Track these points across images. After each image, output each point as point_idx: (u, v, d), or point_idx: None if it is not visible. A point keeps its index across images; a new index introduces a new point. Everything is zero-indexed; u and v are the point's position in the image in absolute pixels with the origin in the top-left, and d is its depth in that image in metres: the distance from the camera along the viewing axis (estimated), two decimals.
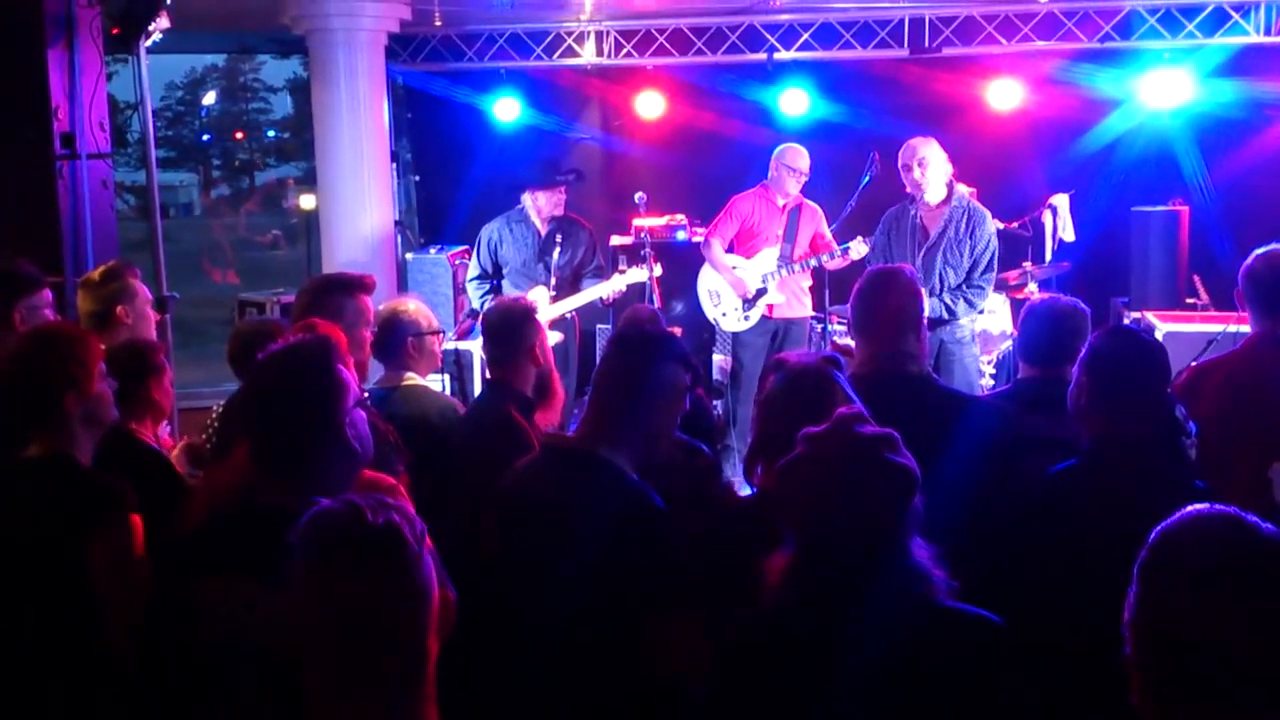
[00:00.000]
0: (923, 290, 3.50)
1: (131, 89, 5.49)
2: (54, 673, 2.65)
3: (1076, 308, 3.64)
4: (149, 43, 5.31)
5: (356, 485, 2.60)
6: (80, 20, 5.18)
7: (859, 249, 6.47)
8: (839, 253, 6.66)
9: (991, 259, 5.88)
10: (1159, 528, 1.63)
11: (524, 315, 3.75)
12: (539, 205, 6.64)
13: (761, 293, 6.83)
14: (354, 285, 3.69)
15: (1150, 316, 6.97)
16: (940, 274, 5.83)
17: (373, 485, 2.77)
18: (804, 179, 6.78)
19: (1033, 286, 7.35)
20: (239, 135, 35.00)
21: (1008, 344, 7.26)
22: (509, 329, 3.71)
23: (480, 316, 6.87)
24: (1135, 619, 1.60)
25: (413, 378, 3.88)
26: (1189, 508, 1.65)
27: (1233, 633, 1.52)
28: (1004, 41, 7.78)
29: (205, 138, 35.28)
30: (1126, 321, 7.28)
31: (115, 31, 5.26)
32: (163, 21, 5.23)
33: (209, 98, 34.41)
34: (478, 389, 6.82)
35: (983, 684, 1.97)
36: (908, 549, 2.01)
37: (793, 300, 6.91)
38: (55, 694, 2.65)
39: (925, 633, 1.97)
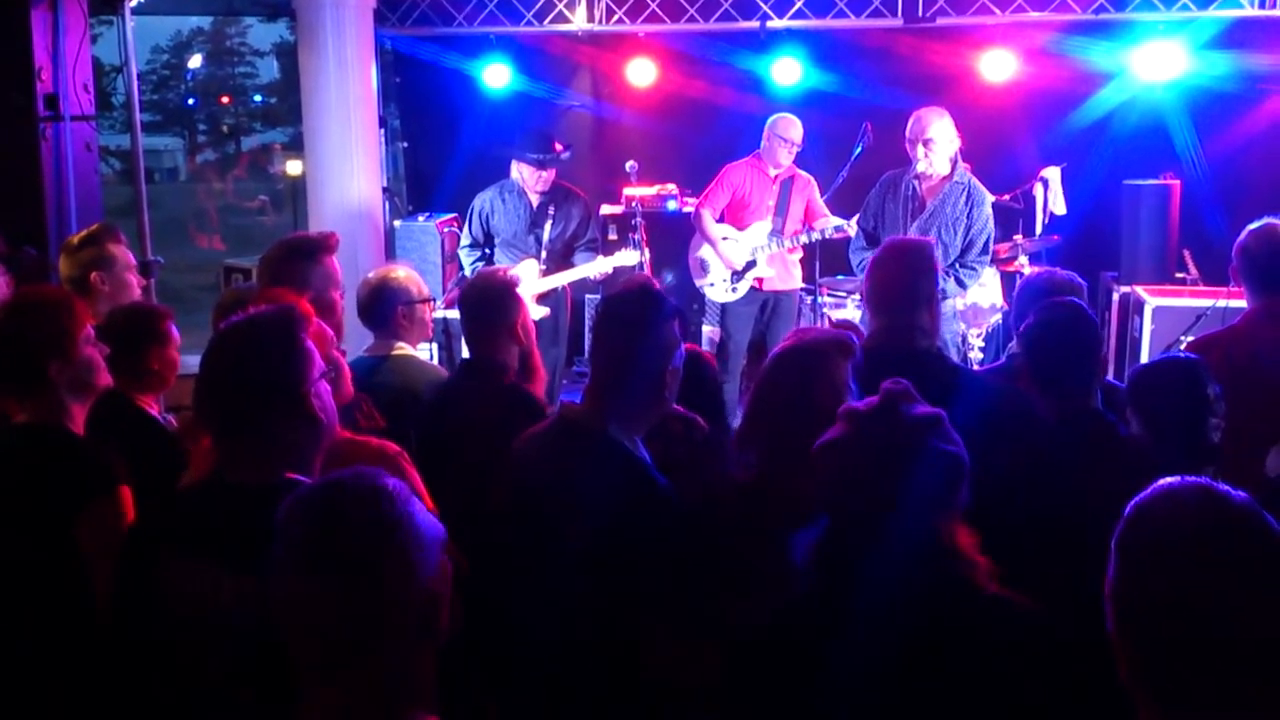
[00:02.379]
0: (940, 264, 3.47)
1: (116, 51, 5.42)
2: (43, 644, 2.63)
3: (1073, 282, 3.63)
4: (134, 3, 5.24)
5: (361, 456, 2.57)
6: None
7: (854, 228, 6.43)
8: (831, 228, 6.62)
9: (987, 241, 5.82)
10: (1133, 501, 1.63)
11: (504, 290, 3.64)
12: (525, 176, 6.57)
13: (751, 265, 6.80)
14: (316, 248, 3.56)
15: (1140, 290, 6.97)
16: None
17: (378, 454, 2.74)
18: (796, 149, 6.74)
19: (1023, 259, 7.34)
20: (225, 100, 34.70)
21: (997, 317, 7.25)
22: (489, 305, 3.60)
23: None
24: (1114, 593, 1.60)
25: (403, 347, 3.84)
26: (1161, 481, 1.64)
27: (1210, 602, 1.52)
28: (998, 12, 7.72)
29: (191, 102, 34.96)
30: (1115, 295, 7.29)
31: None
32: None
33: (194, 61, 34.07)
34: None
35: (1024, 675, 1.91)
36: (948, 533, 1.95)
37: (783, 273, 6.89)
38: (45, 664, 2.63)
39: (966, 620, 1.93)
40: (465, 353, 6.86)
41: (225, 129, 34.93)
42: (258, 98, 34.44)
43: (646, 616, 2.43)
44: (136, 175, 5.69)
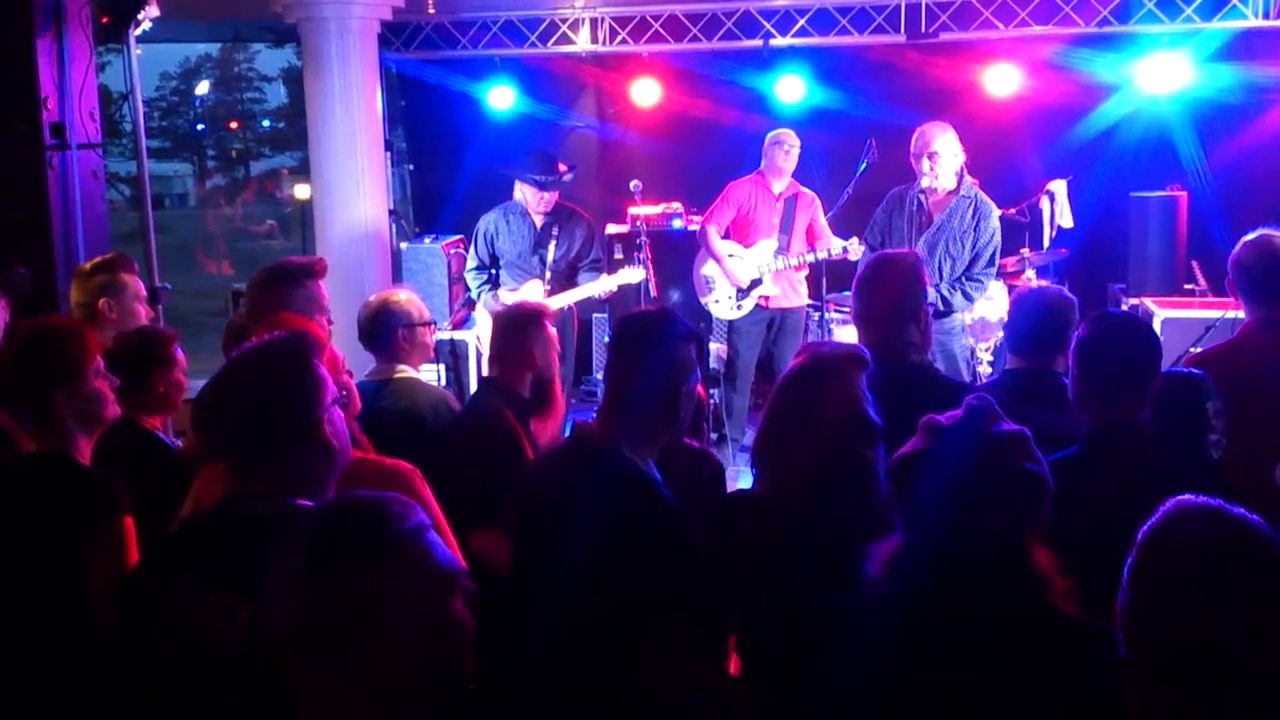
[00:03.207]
0: (927, 278, 3.45)
1: (124, 79, 5.44)
2: (47, 669, 2.62)
3: (1062, 296, 3.60)
4: (139, 31, 5.26)
5: (375, 475, 2.56)
6: (69, 9, 5.13)
7: (857, 249, 6.43)
8: (837, 250, 6.62)
9: (994, 254, 5.82)
10: (1145, 527, 1.60)
11: (528, 320, 3.73)
12: (528, 198, 6.58)
13: (756, 283, 6.80)
14: (300, 272, 3.58)
15: (1148, 303, 6.94)
16: (939, 264, 5.78)
17: (391, 474, 2.75)
18: (793, 150, 6.74)
19: (1030, 273, 7.32)
20: (234, 125, 34.88)
21: (1000, 333, 7.24)
22: (511, 331, 3.71)
23: (478, 309, 6.85)
24: (1127, 621, 1.58)
25: (405, 370, 3.84)
26: (1170, 502, 1.62)
27: (1224, 627, 1.50)
28: (1001, 26, 7.73)
29: (200, 128, 35.15)
30: (1124, 307, 7.26)
31: (105, 20, 5.21)
32: (152, 9, 5.19)
33: (203, 87, 34.27)
34: (473, 379, 6.78)
35: (1094, 702, 1.85)
36: (1030, 555, 1.92)
37: (788, 291, 6.89)
38: (49, 689, 2.62)
39: (1042, 642, 1.89)
40: (474, 373, 6.92)
41: (234, 154, 35.11)
42: (266, 123, 34.60)
43: (653, 633, 2.42)
44: (144, 201, 5.70)
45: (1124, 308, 7.29)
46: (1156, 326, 6.65)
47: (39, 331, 2.92)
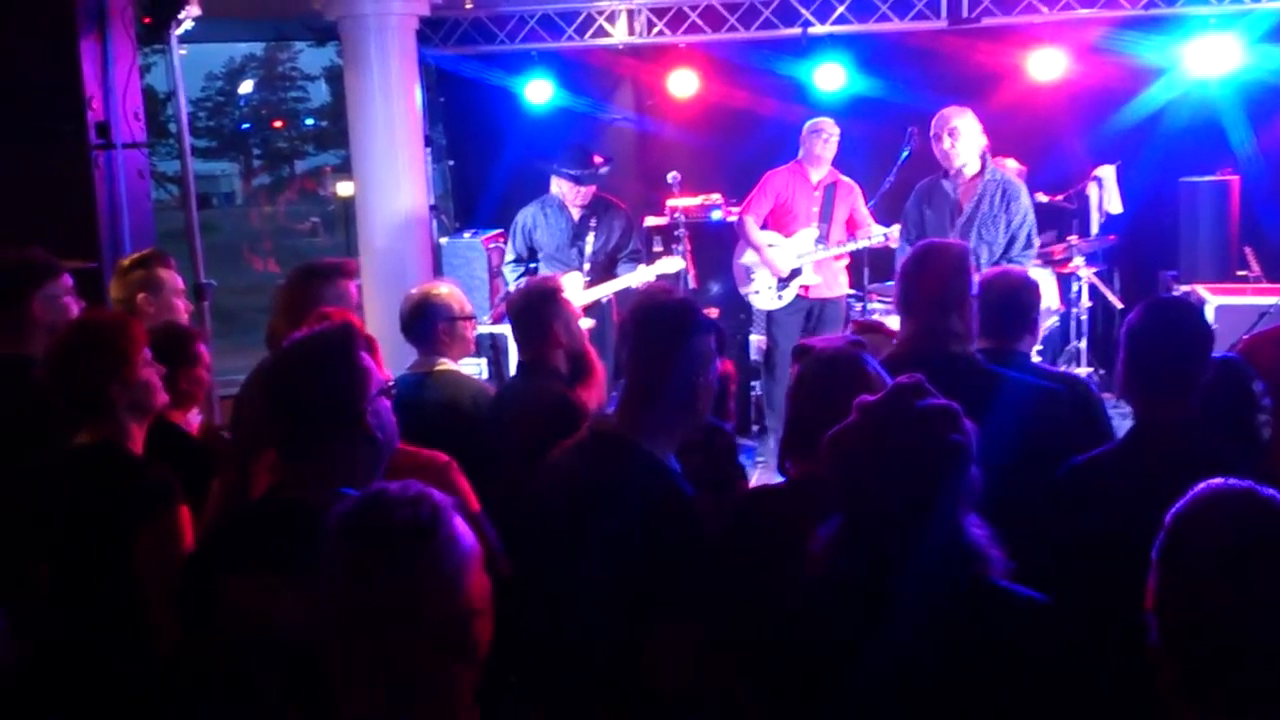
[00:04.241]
0: (973, 266, 3.41)
1: (168, 79, 5.51)
2: (102, 659, 2.67)
3: (1027, 278, 3.69)
4: (180, 31, 5.32)
5: (412, 466, 2.58)
6: (112, 10, 5.20)
7: (897, 237, 6.38)
8: (877, 237, 6.57)
9: (1030, 234, 5.74)
10: (1173, 510, 1.58)
11: (543, 296, 3.76)
12: (564, 191, 6.60)
13: (796, 273, 6.76)
14: (332, 271, 3.66)
15: (1200, 289, 6.82)
16: (975, 251, 5.70)
17: (426, 464, 2.80)
18: (831, 138, 6.69)
19: (1079, 260, 7.22)
20: (278, 124, 35.24)
21: (1054, 320, 7.14)
22: (528, 312, 3.75)
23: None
24: (1158, 605, 1.55)
25: (445, 363, 3.85)
26: (1201, 485, 1.60)
27: (1253, 609, 1.47)
28: (1045, 10, 7.61)
29: (245, 127, 35.55)
30: (1176, 294, 7.14)
31: (147, 21, 5.26)
32: (193, 9, 5.24)
33: (246, 87, 34.63)
34: (513, 372, 6.80)
35: (1031, 669, 1.90)
36: (960, 526, 1.94)
37: (829, 280, 6.84)
38: (103, 679, 2.67)
39: (976, 612, 1.92)
40: (514, 366, 6.94)
41: (279, 152, 35.48)
42: (309, 121, 34.94)
43: (672, 624, 2.41)
44: (188, 199, 5.76)
45: (1175, 295, 7.19)
46: (1210, 314, 6.54)
47: (91, 325, 3.01)
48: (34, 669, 2.68)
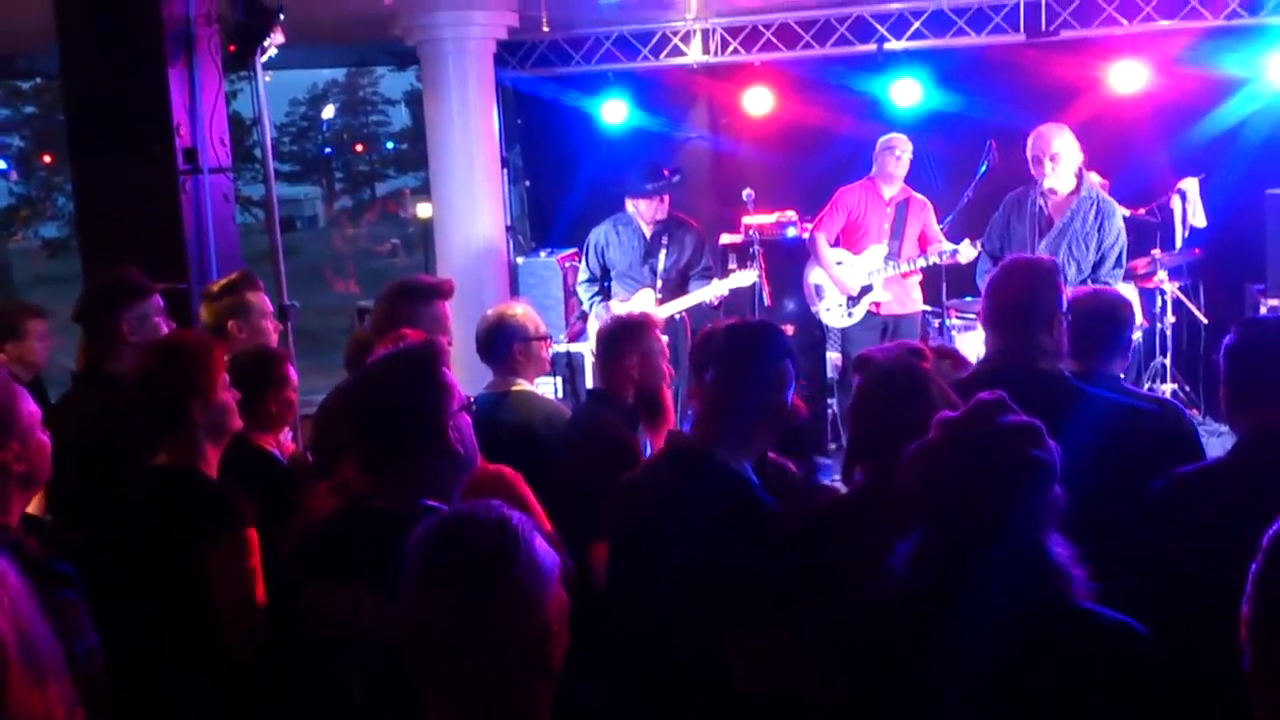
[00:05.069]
0: (1063, 283, 3.35)
1: (253, 105, 5.64)
2: (176, 676, 2.72)
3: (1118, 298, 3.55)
4: (265, 58, 5.44)
5: (480, 481, 2.62)
6: (199, 39, 5.33)
7: (967, 252, 6.30)
8: (947, 253, 6.50)
9: (1120, 255, 5.65)
10: (1271, 530, 1.53)
11: (630, 328, 3.79)
12: (640, 210, 6.65)
13: (867, 290, 6.71)
14: (430, 291, 3.70)
15: None
16: (1062, 267, 5.61)
17: (496, 480, 2.83)
18: (904, 155, 6.63)
19: (1162, 274, 7.07)
20: (359, 148, 35.92)
21: (1138, 335, 6.97)
22: (610, 340, 3.79)
23: (590, 320, 6.91)
24: (1251, 629, 1.50)
25: (521, 383, 3.89)
26: None
27: None
28: (1125, 22, 7.48)
29: (327, 151, 36.29)
30: (1264, 309, 6.93)
31: (233, 49, 5.40)
32: (277, 37, 5.36)
33: (329, 111, 35.37)
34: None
35: (1116, 696, 1.86)
36: (1043, 544, 1.91)
37: (901, 297, 6.78)
38: (177, 696, 2.73)
39: (1057, 633, 1.89)
40: (590, 383, 6.98)
41: (360, 176, 36.14)
42: (390, 144, 35.56)
43: (751, 636, 2.42)
44: (271, 222, 5.89)
45: (1264, 310, 6.98)
46: None
47: (174, 345, 3.08)
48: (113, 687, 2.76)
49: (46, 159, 24.19)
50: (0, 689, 1.44)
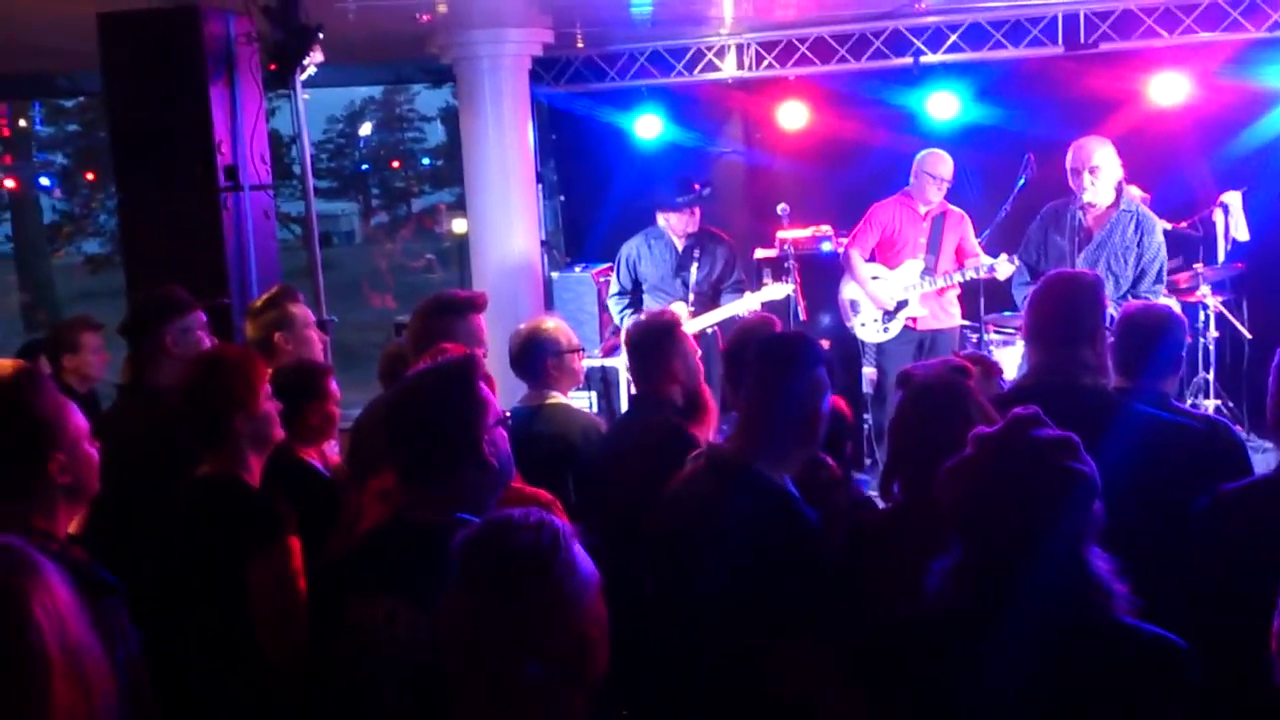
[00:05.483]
0: (1106, 298, 3.32)
1: (292, 123, 5.71)
2: (216, 683, 2.76)
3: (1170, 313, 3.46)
4: (304, 77, 5.51)
5: (512, 500, 2.63)
6: (240, 58, 5.41)
7: (1004, 268, 6.26)
8: (984, 268, 6.45)
9: (1160, 270, 5.60)
10: None
11: (664, 331, 3.77)
12: (671, 224, 6.66)
13: (902, 305, 6.67)
14: (465, 306, 3.74)
15: None
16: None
17: (530, 501, 2.81)
18: (946, 185, 6.60)
19: (1205, 289, 6.98)
20: (395, 164, 36.18)
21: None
22: (648, 346, 3.75)
23: (621, 334, 6.91)
24: None
25: (555, 396, 3.90)
26: None
27: None
28: (1165, 34, 7.41)
29: (364, 167, 36.58)
30: None
31: (273, 67, 5.47)
32: (317, 55, 5.43)
33: (366, 129, 35.67)
34: (624, 405, 6.84)
35: (1156, 710, 1.85)
36: (1083, 559, 1.90)
37: (938, 311, 6.73)
38: (217, 703, 2.76)
39: (1097, 648, 1.87)
40: (624, 399, 6.98)
41: (396, 192, 36.39)
42: (426, 161, 35.79)
43: (791, 643, 2.42)
44: (310, 238, 5.96)
45: None
46: None
47: (218, 359, 3.14)
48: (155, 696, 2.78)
49: (89, 176, 24.57)
50: (45, 701, 1.46)
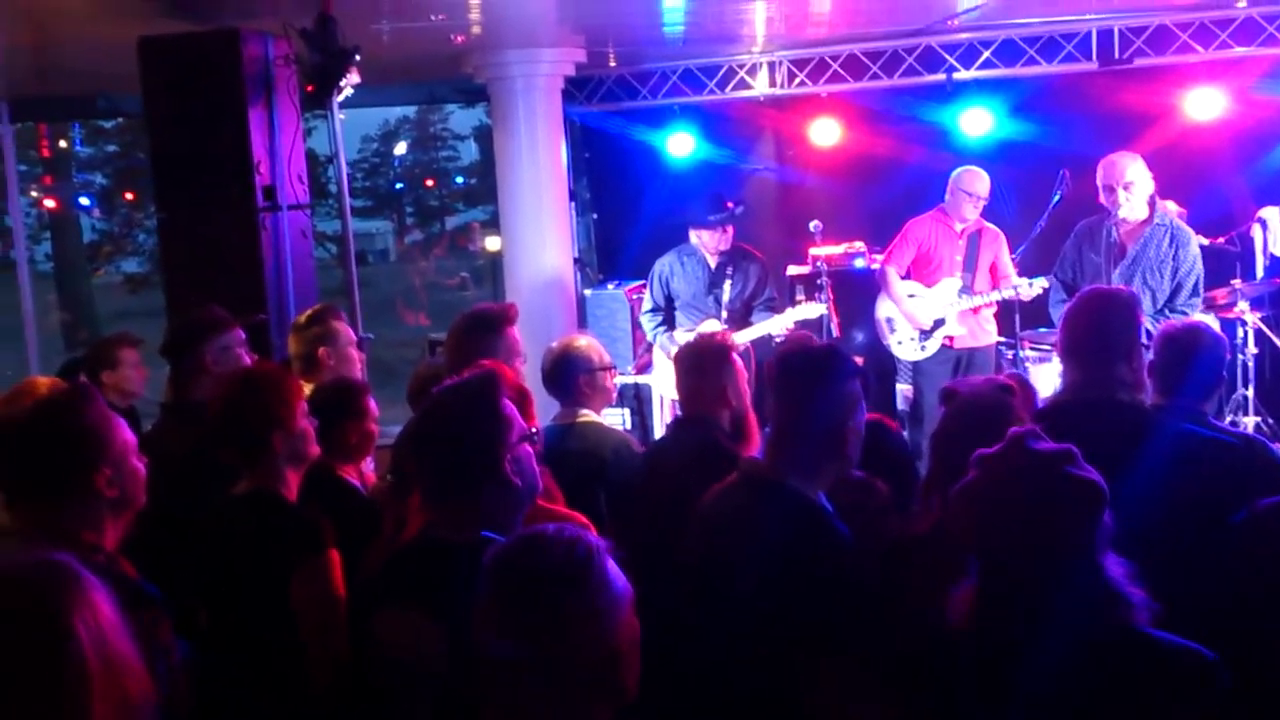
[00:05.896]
0: (1142, 314, 3.30)
1: (329, 143, 5.78)
2: (257, 695, 2.78)
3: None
4: (341, 98, 5.58)
5: (539, 520, 2.64)
6: (278, 80, 5.49)
7: (1028, 289, 6.25)
8: (1023, 286, 6.41)
9: (1197, 283, 5.55)
10: None
11: (719, 354, 3.69)
12: (704, 241, 6.67)
13: (940, 323, 6.64)
14: (497, 320, 3.77)
15: None
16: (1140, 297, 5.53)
17: (559, 520, 2.82)
18: (982, 204, 6.57)
19: (1243, 305, 6.91)
20: (430, 183, 36.43)
21: None
22: (701, 368, 3.68)
23: (655, 351, 6.92)
24: None
25: (588, 414, 3.91)
26: None
27: None
28: (1200, 50, 7.36)
29: (399, 186, 36.84)
30: None
31: (310, 89, 5.54)
32: (353, 77, 5.49)
33: (401, 148, 35.94)
34: (657, 422, 6.84)
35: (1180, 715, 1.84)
36: (1099, 567, 1.90)
37: (975, 330, 6.69)
38: (258, 716, 2.78)
39: (1123, 661, 1.87)
40: (658, 416, 6.98)
41: (430, 210, 36.62)
42: (459, 179, 36.02)
43: (825, 660, 2.41)
44: (347, 257, 6.03)
45: None
46: None
47: (253, 378, 3.17)
48: (195, 708, 2.81)
49: (128, 196, 24.91)
50: (84, 713, 1.48)
